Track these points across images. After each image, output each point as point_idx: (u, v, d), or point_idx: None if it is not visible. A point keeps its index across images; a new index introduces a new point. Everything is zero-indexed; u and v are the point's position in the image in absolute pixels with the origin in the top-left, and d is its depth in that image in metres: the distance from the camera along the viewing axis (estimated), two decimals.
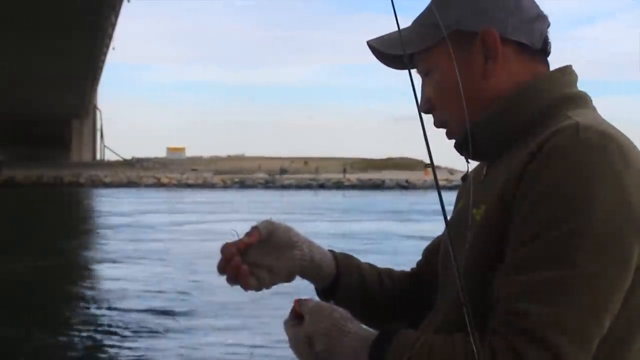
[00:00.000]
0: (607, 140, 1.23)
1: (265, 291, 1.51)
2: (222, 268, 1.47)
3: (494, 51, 1.38)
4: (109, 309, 11.97)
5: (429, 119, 1.47)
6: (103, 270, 16.75)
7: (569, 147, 1.23)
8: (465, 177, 1.52)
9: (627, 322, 1.24)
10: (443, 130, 1.48)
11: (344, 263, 1.60)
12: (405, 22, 1.46)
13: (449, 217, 1.31)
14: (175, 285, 14.06)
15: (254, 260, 1.47)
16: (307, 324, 1.37)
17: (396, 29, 1.36)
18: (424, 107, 1.45)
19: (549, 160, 1.23)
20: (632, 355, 1.26)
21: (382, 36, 1.46)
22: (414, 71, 1.49)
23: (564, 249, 1.18)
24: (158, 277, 15.13)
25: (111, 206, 38.72)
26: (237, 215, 29.95)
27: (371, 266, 1.65)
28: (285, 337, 1.42)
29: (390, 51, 1.44)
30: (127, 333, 10.29)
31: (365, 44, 1.48)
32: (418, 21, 1.46)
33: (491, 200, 1.30)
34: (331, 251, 1.60)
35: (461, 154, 1.47)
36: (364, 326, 1.37)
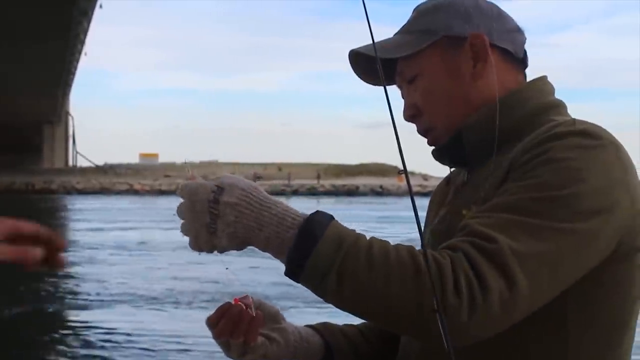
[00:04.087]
0: (601, 131, 1.29)
1: None
2: (229, 317, 1.36)
3: (483, 54, 1.41)
4: None
5: (403, 125, 1.48)
6: None
7: (567, 133, 1.28)
8: (448, 180, 1.54)
9: (612, 323, 1.30)
10: (417, 136, 1.49)
11: (327, 332, 1.56)
12: (382, 30, 1.48)
13: (422, 223, 1.30)
14: None
15: None
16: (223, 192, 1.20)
17: (379, 37, 1.37)
18: (409, 113, 1.47)
19: (548, 143, 1.27)
20: (620, 352, 1.32)
21: (365, 45, 1.45)
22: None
23: (547, 207, 1.21)
24: None
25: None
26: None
27: (349, 326, 1.61)
28: None
29: (378, 55, 1.44)
30: None
31: (344, 51, 1.48)
32: (403, 30, 1.47)
33: (485, 198, 1.31)
34: (308, 325, 1.56)
35: (441, 161, 1.49)
36: (290, 207, 1.22)
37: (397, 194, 63.00)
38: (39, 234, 1.14)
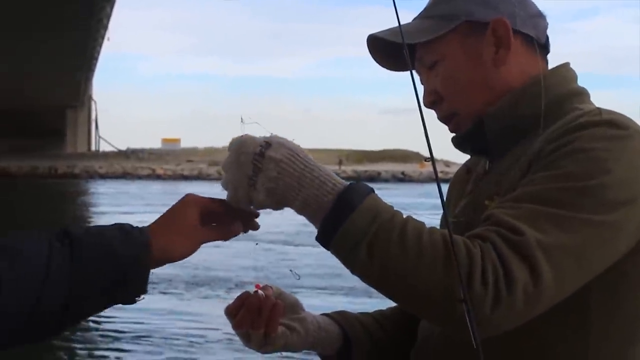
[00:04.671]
0: (628, 121, 1.29)
1: None
2: (249, 307, 1.35)
3: (506, 40, 1.39)
4: None
5: (426, 111, 1.46)
6: None
7: (594, 123, 1.27)
8: (468, 168, 1.53)
9: (632, 320, 1.29)
10: (438, 122, 1.47)
11: (344, 320, 1.55)
12: (405, 15, 1.46)
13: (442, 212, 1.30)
14: None
15: None
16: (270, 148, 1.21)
17: (395, 23, 1.35)
18: (429, 99, 1.45)
19: (574, 133, 1.26)
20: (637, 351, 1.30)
21: (384, 30, 1.44)
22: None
23: (573, 198, 1.20)
24: None
25: None
26: None
27: (365, 314, 1.61)
28: None
29: (397, 40, 1.40)
30: None
31: (365, 37, 1.45)
32: (422, 15, 1.45)
33: (509, 189, 1.30)
34: (324, 314, 1.55)
35: (462, 149, 1.48)
36: (333, 174, 1.23)
37: (419, 180, 62.73)
38: (226, 207, 1.25)
